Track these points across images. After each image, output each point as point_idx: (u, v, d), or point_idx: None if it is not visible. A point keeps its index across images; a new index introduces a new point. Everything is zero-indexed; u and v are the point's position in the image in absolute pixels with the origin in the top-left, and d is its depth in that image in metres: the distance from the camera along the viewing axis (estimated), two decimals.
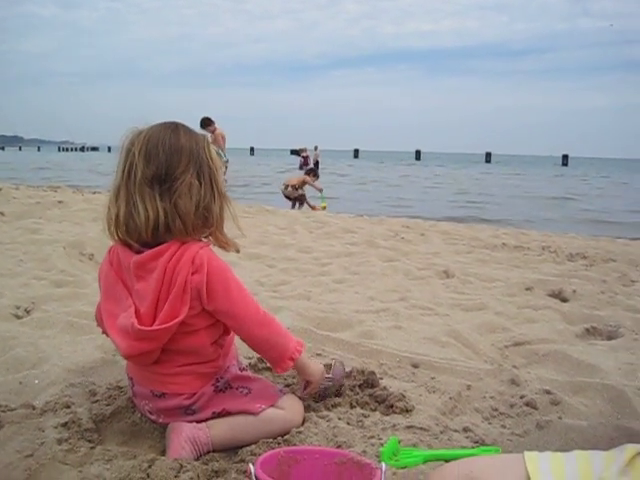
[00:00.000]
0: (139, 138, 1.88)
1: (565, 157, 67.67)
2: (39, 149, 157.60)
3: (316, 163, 39.07)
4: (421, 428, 2.05)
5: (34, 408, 2.06)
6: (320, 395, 2.23)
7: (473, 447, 1.95)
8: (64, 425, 1.93)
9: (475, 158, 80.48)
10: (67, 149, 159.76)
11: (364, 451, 1.84)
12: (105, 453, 1.82)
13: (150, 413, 1.98)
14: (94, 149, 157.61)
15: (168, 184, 1.83)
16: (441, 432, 2.03)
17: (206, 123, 11.77)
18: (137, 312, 1.83)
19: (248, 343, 1.98)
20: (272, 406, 1.96)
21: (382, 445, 1.88)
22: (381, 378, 2.45)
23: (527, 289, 4.31)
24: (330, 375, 2.22)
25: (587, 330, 3.33)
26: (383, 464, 1.48)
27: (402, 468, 1.77)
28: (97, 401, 2.15)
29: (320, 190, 13.92)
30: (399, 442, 1.91)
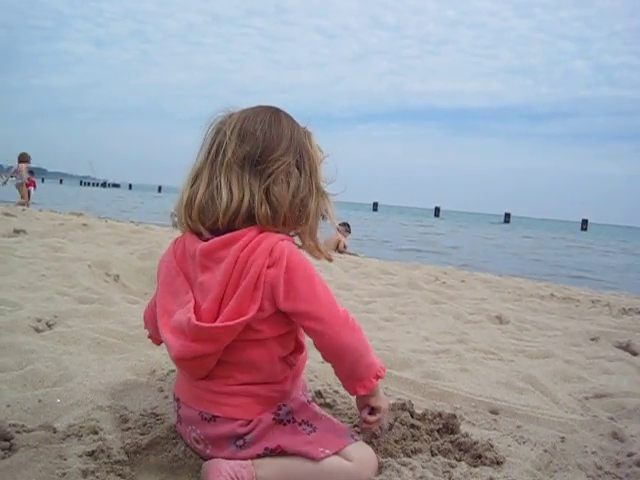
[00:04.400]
0: (232, 117, 1.62)
1: (585, 222, 66.47)
2: (61, 182, 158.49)
3: None
4: None
5: (55, 431, 1.73)
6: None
7: None
8: (90, 454, 1.60)
9: (493, 219, 79.62)
10: (88, 184, 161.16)
11: None
12: None
13: (197, 442, 1.62)
14: (115, 185, 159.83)
15: (262, 166, 1.54)
16: None
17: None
18: (197, 308, 1.51)
19: (330, 354, 1.62)
20: (337, 454, 1.56)
21: None
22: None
23: (592, 339, 3.91)
24: None
25: None
26: None
27: None
28: (129, 429, 1.81)
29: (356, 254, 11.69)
30: None
